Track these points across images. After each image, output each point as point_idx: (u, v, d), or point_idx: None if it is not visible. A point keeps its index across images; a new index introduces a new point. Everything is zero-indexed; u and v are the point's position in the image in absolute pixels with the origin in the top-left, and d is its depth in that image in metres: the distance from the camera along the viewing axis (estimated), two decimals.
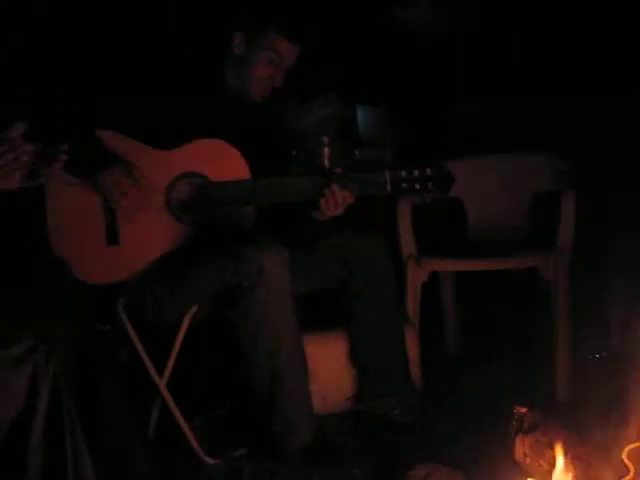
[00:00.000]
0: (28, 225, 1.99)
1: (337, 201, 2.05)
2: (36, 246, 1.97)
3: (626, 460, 1.51)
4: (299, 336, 2.04)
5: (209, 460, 2.08)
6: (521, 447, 1.77)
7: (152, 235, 2.05)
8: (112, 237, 2.03)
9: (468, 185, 2.59)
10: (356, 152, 2.65)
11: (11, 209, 1.79)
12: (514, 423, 1.83)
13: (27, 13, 2.56)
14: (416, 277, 2.49)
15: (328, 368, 2.29)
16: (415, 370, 2.41)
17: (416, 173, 2.06)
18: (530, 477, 1.68)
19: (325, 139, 2.46)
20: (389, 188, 2.07)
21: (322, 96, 2.65)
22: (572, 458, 1.61)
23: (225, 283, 1.97)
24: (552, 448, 1.63)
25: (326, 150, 2.47)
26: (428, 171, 2.07)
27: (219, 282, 1.97)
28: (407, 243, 2.53)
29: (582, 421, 1.79)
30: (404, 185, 2.07)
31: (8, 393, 1.33)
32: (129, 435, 1.71)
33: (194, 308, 2.06)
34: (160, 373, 2.11)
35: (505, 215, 2.68)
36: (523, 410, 1.82)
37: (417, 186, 2.07)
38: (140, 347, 2.12)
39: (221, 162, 2.08)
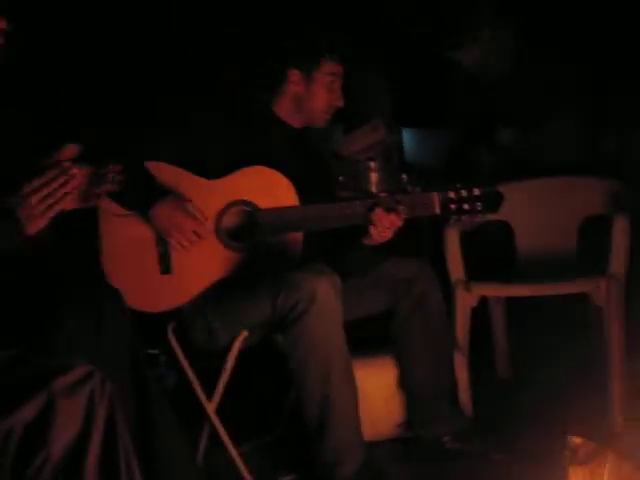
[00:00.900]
0: (83, 249, 2.04)
1: (384, 225, 2.05)
2: (90, 273, 2.01)
3: None
4: (349, 363, 2.04)
5: None
6: (575, 479, 1.72)
7: (203, 263, 2.07)
8: (165, 266, 2.06)
9: (516, 209, 2.56)
10: (403, 176, 2.64)
11: (66, 230, 1.83)
12: (568, 453, 1.78)
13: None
14: (465, 302, 2.46)
15: (377, 394, 2.29)
16: (465, 396, 2.39)
17: (464, 193, 2.05)
18: None
19: (372, 164, 2.47)
20: (437, 210, 2.06)
21: (369, 122, 2.66)
22: None
23: (277, 309, 1.98)
24: None
25: (373, 175, 2.48)
26: (476, 191, 2.05)
27: (271, 308, 1.99)
28: (455, 268, 2.51)
29: (638, 452, 1.74)
30: (452, 206, 2.05)
31: (65, 419, 1.36)
32: (182, 461, 1.73)
33: (245, 333, 2.07)
34: (209, 398, 2.12)
35: (555, 239, 2.65)
36: (578, 440, 1.78)
37: (466, 206, 2.05)
38: (190, 371, 2.14)
39: (269, 190, 2.10)
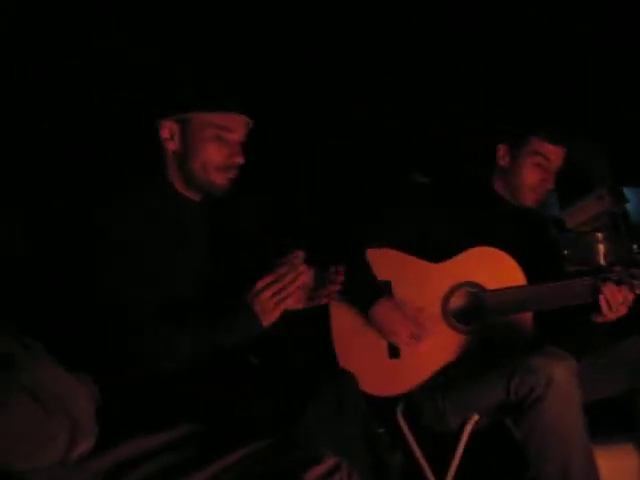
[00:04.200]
0: (316, 335, 2.13)
1: (618, 302, 1.95)
2: (325, 362, 2.09)
3: None
4: (591, 451, 1.93)
5: None
6: None
7: (432, 347, 2.07)
8: (394, 351, 2.09)
9: None
10: (634, 246, 2.50)
11: (297, 328, 1.92)
12: None
13: None
14: None
15: None
16: None
17: None
18: None
19: (600, 235, 2.36)
20: None
21: (594, 192, 2.56)
22: None
23: (511, 394, 1.93)
24: None
25: (601, 247, 2.37)
26: None
27: (505, 393, 1.94)
28: None
29: None
30: None
31: None
32: None
33: (475, 417, 2.04)
34: None
35: None
36: None
37: None
38: (419, 453, 2.13)
39: (495, 270, 2.08)
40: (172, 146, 1.76)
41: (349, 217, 2.20)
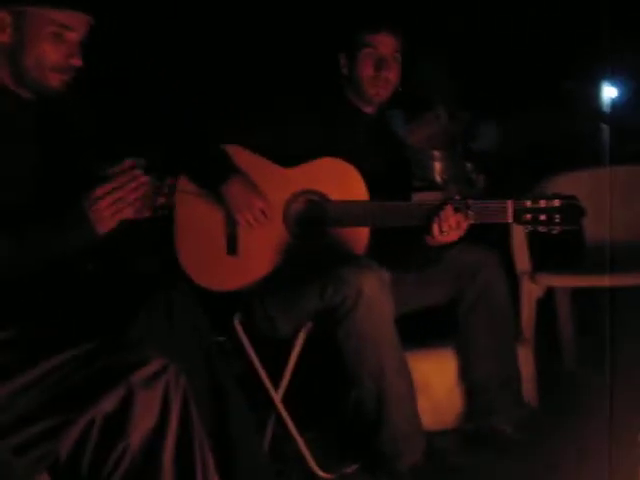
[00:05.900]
0: (158, 248, 2.09)
1: (451, 226, 1.99)
2: (165, 266, 2.06)
3: None
4: (402, 357, 2.03)
5: (324, 475, 2.11)
6: None
7: (267, 248, 2.09)
8: (231, 247, 2.10)
9: (590, 197, 2.49)
10: (467, 165, 2.61)
11: (141, 236, 1.87)
12: None
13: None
14: (531, 293, 2.44)
15: (439, 384, 2.28)
16: (530, 387, 2.36)
17: (542, 204, 1.97)
18: None
19: (436, 153, 2.43)
20: (510, 218, 2.00)
21: (432, 110, 2.63)
22: None
23: (326, 303, 1.99)
24: None
25: (437, 164, 2.45)
26: (556, 202, 1.97)
27: (320, 302, 2.00)
28: (521, 259, 2.48)
29: None
30: (527, 216, 1.98)
31: (143, 410, 1.39)
32: (252, 449, 1.76)
33: (308, 324, 2.09)
34: (276, 387, 2.15)
35: (629, 229, 2.57)
36: None
37: (543, 217, 1.97)
38: (256, 361, 2.16)
39: (340, 181, 2.10)
40: (2, 38, 1.61)
41: (203, 115, 2.15)
